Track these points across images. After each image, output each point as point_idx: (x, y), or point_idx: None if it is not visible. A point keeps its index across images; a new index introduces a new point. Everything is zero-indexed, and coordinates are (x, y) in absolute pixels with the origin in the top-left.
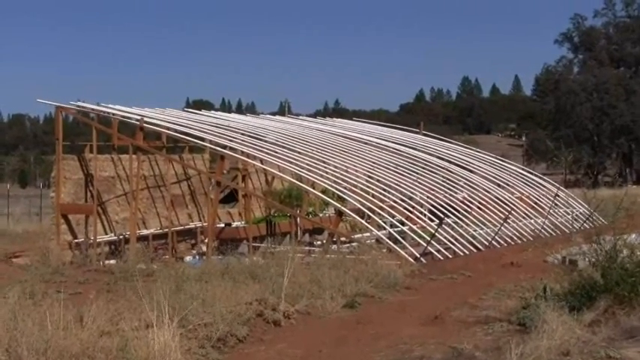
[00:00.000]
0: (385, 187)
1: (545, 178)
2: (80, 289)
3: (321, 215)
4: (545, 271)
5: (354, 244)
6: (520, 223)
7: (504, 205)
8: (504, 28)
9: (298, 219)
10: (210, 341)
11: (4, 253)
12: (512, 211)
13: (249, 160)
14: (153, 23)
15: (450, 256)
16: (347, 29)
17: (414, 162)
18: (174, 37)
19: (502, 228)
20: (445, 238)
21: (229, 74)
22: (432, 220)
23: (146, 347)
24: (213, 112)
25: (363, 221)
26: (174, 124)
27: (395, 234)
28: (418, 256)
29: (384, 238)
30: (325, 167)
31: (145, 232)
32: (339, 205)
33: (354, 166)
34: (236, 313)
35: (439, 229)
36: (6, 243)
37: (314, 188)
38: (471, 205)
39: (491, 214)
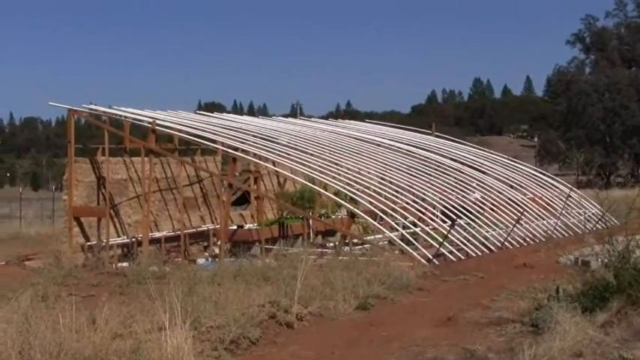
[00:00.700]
0: (397, 189)
1: (557, 179)
2: (93, 292)
3: (333, 217)
4: (558, 272)
5: (366, 245)
6: (532, 224)
7: (517, 206)
8: (516, 29)
9: (310, 221)
10: (222, 343)
11: (16, 256)
12: (525, 212)
13: (262, 162)
14: (165, 26)
15: (463, 258)
16: (358, 31)
17: (426, 163)
18: (185, 39)
19: (514, 229)
20: (457, 239)
21: (241, 76)
22: (445, 222)
23: (159, 350)
24: (224, 114)
25: (375, 223)
26: (186, 126)
27: (407, 235)
28: (431, 257)
29: (397, 239)
30: (337, 169)
31: (157, 234)
32: (352, 207)
33: (366, 167)
34: (249, 315)
35: (451, 231)
36: (19, 246)
37: (326, 190)
38: (483, 207)
39: (504, 215)
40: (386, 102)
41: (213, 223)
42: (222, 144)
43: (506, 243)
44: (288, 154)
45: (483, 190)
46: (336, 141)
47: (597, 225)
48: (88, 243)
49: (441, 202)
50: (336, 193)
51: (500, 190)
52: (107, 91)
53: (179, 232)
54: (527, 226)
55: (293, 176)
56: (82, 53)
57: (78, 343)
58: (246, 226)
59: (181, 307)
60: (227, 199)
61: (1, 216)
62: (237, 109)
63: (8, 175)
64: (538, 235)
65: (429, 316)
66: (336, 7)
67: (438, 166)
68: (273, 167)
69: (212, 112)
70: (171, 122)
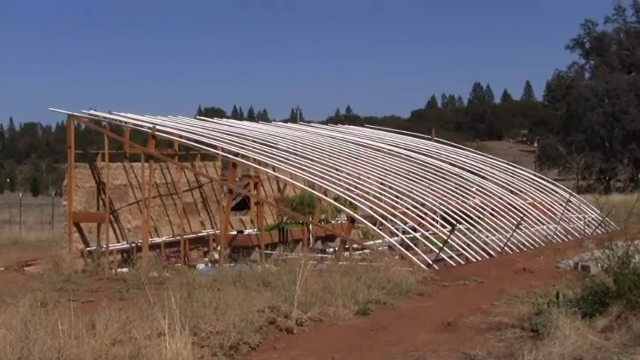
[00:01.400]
0: (397, 194)
1: (557, 183)
2: (92, 298)
3: (333, 222)
4: (558, 277)
5: (366, 251)
6: (532, 229)
7: (516, 211)
8: (515, 33)
9: (310, 226)
10: (222, 349)
11: (16, 262)
12: (525, 217)
13: (261, 168)
14: (165, 31)
15: (463, 263)
16: (358, 36)
17: (426, 168)
18: (185, 45)
19: (514, 234)
20: (457, 244)
21: (241, 82)
22: (445, 227)
23: (158, 355)
24: (224, 119)
25: (375, 228)
26: (186, 131)
27: (407, 240)
28: (430, 262)
29: (396, 244)
30: (337, 174)
31: (157, 239)
32: (351, 212)
33: (366, 172)
34: (248, 320)
35: (451, 236)
36: (18, 251)
37: (326, 195)
38: (483, 212)
39: (504, 220)
40: (386, 107)
41: (213, 228)
42: (222, 149)
43: (506, 248)
44: (288, 160)
45: (483, 195)
46: (335, 146)
47: (597, 230)
48: (88, 248)
49: (441, 207)
50: (336, 199)
51: (500, 195)
52: (107, 97)
53: (179, 238)
54: (526, 231)
55: (293, 181)
56: (82, 59)
57: (77, 348)
58: (246, 232)
59: (181, 312)
60: (227, 205)
61: (1, 221)
62: (237, 115)
63: (8, 180)
64: (538, 240)
65: (429, 321)
66: (337, 14)
67: (438, 171)
68: (272, 172)
69: (212, 118)
70: (171, 128)
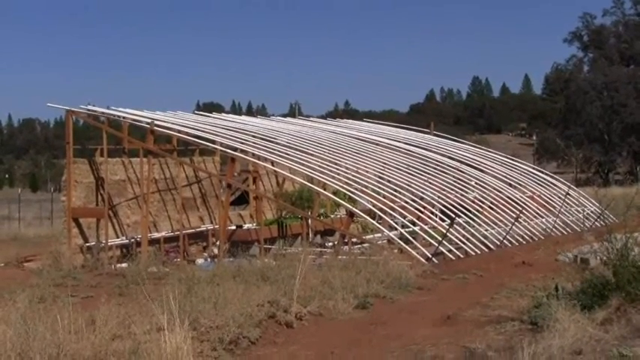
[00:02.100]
0: (396, 188)
1: (556, 177)
2: (92, 293)
3: (332, 216)
4: (557, 270)
5: (365, 245)
6: (531, 223)
7: (515, 205)
8: (514, 27)
9: (309, 220)
10: (222, 344)
11: (15, 258)
12: (524, 211)
13: (260, 162)
14: (162, 26)
15: (462, 256)
16: (356, 30)
17: (425, 162)
18: (184, 39)
19: (513, 227)
20: (457, 238)
21: (239, 76)
22: (444, 220)
23: (158, 350)
24: (223, 114)
25: (374, 222)
26: (184, 127)
27: (406, 234)
28: (430, 256)
29: (396, 238)
30: (336, 168)
31: (156, 235)
32: (351, 207)
33: (365, 167)
34: (248, 315)
35: (450, 229)
36: (18, 247)
37: (325, 190)
38: (482, 205)
39: (503, 213)
40: (384, 101)
41: (212, 223)
42: (221, 144)
43: (505, 241)
44: (287, 154)
45: (482, 188)
46: (334, 140)
47: (596, 223)
48: (87, 244)
49: (440, 200)
50: (335, 193)
51: (499, 188)
52: (105, 92)
53: (178, 233)
54: (526, 224)
55: (292, 176)
56: (80, 54)
57: (77, 344)
58: (245, 226)
59: (180, 307)
60: (226, 200)
61: (0, 217)
62: (235, 109)
63: (7, 176)
64: (537, 233)
65: (429, 314)
66: (335, 8)
67: (437, 165)
68: (271, 167)
69: (211, 113)
70: (170, 123)
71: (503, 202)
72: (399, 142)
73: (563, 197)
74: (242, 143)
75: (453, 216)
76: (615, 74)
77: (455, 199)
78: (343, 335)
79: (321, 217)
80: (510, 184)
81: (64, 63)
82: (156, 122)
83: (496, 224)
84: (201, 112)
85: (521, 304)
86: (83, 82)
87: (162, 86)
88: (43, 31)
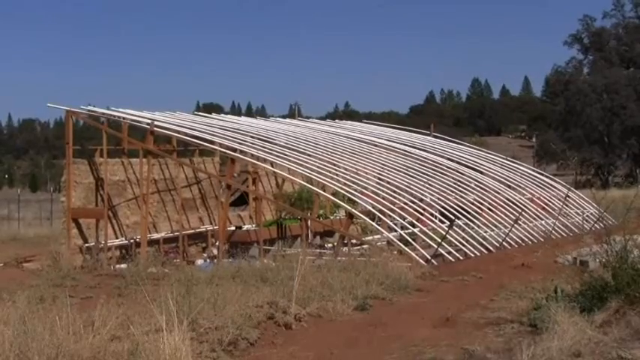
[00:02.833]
0: (395, 189)
1: (555, 179)
2: (91, 294)
3: (331, 218)
4: (556, 272)
5: (364, 246)
6: (531, 225)
7: (515, 207)
8: (514, 29)
9: (309, 221)
10: (221, 345)
11: (15, 258)
12: (523, 213)
13: (260, 163)
14: (163, 27)
15: (461, 258)
16: (356, 31)
17: (425, 164)
18: (183, 40)
19: (513, 229)
20: (456, 239)
21: (239, 77)
22: (443, 222)
23: (157, 351)
24: (223, 115)
25: (373, 223)
26: (184, 127)
27: (406, 236)
28: (429, 257)
29: (395, 240)
30: (335, 169)
31: (155, 235)
32: (350, 208)
33: (365, 168)
34: (247, 316)
35: (450, 231)
36: (17, 247)
37: (324, 191)
38: (481, 207)
39: (502, 215)
40: (384, 102)
41: (211, 224)
42: (221, 145)
43: (504, 243)
44: (286, 155)
45: (481, 190)
46: (333, 141)
47: (595, 225)
48: (87, 244)
49: (440, 202)
50: (335, 194)
51: (498, 190)
52: (105, 93)
53: (177, 234)
54: (525, 226)
55: (291, 177)
56: (80, 54)
57: (76, 344)
58: (245, 227)
59: (179, 308)
60: (225, 200)
61: (0, 217)
62: (235, 110)
63: (7, 176)
64: (536, 236)
65: (428, 316)
66: (336, 9)
67: (436, 167)
68: (271, 168)
69: (210, 113)
70: (170, 123)
71: (503, 204)
72: (399, 143)
73: (562, 199)
74: (241, 144)
75: (453, 217)
76: (615, 76)
77: (454, 200)
78: (342, 336)
79: (321, 219)
80: (510, 186)
81: (64, 63)
82: (155, 123)
83: (495, 226)
84: (200, 113)
85: (520, 306)
86: (83, 83)
87: (162, 87)
88: (43, 31)
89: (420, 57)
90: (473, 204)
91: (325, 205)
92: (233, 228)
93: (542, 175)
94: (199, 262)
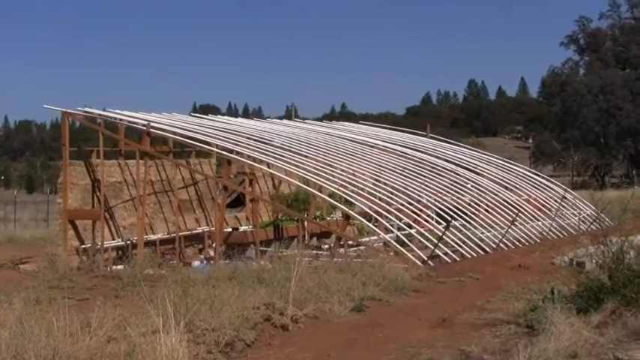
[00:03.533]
0: (392, 190)
1: (552, 180)
2: (88, 295)
3: (328, 219)
4: (553, 273)
5: (361, 247)
6: (527, 226)
7: (512, 208)
8: (510, 30)
9: (306, 223)
10: (217, 346)
11: (11, 260)
12: (520, 214)
13: (256, 165)
14: (159, 28)
15: (458, 259)
16: (353, 33)
17: (421, 165)
18: (180, 41)
19: (509, 230)
20: (453, 240)
21: (236, 79)
22: (440, 223)
23: (153, 353)
24: (219, 116)
25: (370, 224)
26: (180, 128)
27: (402, 237)
28: (426, 259)
29: (392, 241)
30: (332, 171)
31: (152, 237)
32: (347, 209)
33: (361, 169)
34: (244, 317)
35: (446, 232)
36: (13, 249)
37: (321, 192)
38: (478, 208)
39: (499, 216)
40: (381, 104)
41: (208, 225)
42: (217, 146)
43: (501, 244)
44: (283, 156)
45: (478, 191)
46: (330, 143)
47: (592, 226)
48: (83, 246)
49: (436, 203)
50: (331, 195)
51: (495, 191)
52: (102, 94)
53: (174, 235)
54: (522, 227)
55: (288, 178)
56: (76, 56)
57: (72, 346)
58: (241, 229)
59: (176, 309)
60: (222, 202)
61: None
62: (232, 112)
63: (3, 178)
64: (533, 237)
65: (425, 317)
66: (332, 10)
67: (433, 168)
68: (267, 169)
69: (207, 115)
70: (166, 125)
71: (499, 205)
72: (395, 144)
73: (559, 200)
74: (238, 145)
75: (449, 219)
76: (611, 77)
77: (451, 201)
78: (339, 338)
79: (317, 220)
80: (506, 187)
81: (61, 65)
82: (152, 124)
83: (492, 227)
84: (197, 114)
85: (517, 307)
86: (79, 84)
87: (159, 88)
88: (40, 33)
89: (417, 58)
90: (469, 205)
91: (322, 207)
92: (230, 229)
93: (538, 176)
94: (196, 263)
